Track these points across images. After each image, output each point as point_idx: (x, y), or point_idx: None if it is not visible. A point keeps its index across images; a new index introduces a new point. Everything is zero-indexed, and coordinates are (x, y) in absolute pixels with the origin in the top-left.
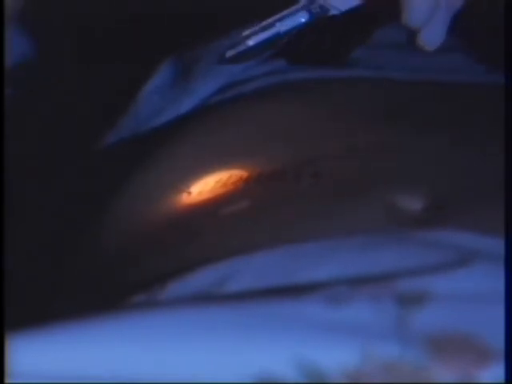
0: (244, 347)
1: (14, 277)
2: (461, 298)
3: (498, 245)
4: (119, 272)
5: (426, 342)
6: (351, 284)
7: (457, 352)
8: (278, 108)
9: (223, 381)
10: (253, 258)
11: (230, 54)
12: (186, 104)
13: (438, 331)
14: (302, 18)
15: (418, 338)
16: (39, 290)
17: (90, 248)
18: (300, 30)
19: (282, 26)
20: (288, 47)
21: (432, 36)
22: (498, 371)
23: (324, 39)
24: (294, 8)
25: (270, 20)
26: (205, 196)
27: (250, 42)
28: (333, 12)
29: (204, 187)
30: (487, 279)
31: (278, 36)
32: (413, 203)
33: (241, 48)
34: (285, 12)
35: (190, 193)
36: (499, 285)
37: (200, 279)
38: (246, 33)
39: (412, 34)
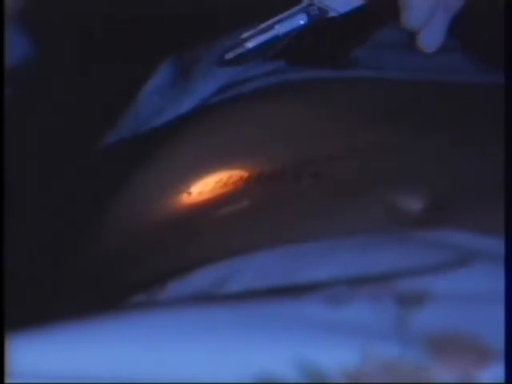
0: (244, 347)
1: (14, 277)
2: (461, 298)
3: (497, 245)
4: (119, 272)
5: (425, 342)
6: (351, 284)
7: (457, 352)
8: (278, 108)
9: (223, 381)
10: (253, 258)
11: (229, 56)
12: (186, 104)
13: (438, 331)
14: (301, 21)
15: (418, 338)
16: (39, 289)
17: (90, 248)
18: (299, 32)
19: (281, 29)
20: (287, 49)
21: (431, 38)
22: (498, 371)
23: (323, 41)
24: (292, 10)
25: (268, 22)
26: (205, 196)
27: (249, 45)
28: (331, 14)
29: (204, 187)
30: (487, 279)
31: (276, 38)
32: (413, 203)
33: (240, 50)
34: (284, 14)
35: (189, 193)
36: (499, 285)
37: (200, 279)
38: (244, 35)
39: (411, 36)
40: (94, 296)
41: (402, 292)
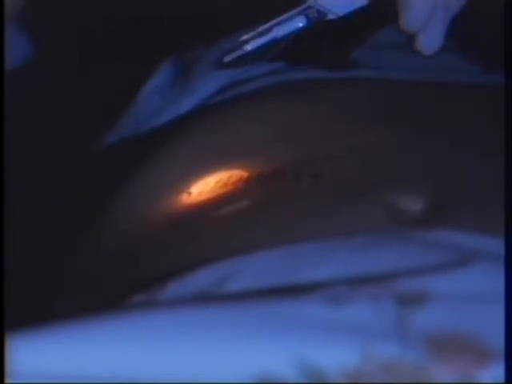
0: (244, 347)
1: (14, 277)
2: (461, 298)
3: (497, 245)
4: (119, 272)
5: (426, 342)
6: (351, 284)
7: (457, 352)
8: (278, 108)
9: (223, 381)
10: (253, 258)
11: (227, 58)
12: (186, 104)
13: (438, 331)
14: (300, 23)
15: (418, 338)
16: (39, 290)
17: (90, 248)
18: (297, 34)
19: (280, 31)
20: (286, 52)
21: (430, 40)
22: (498, 371)
23: (321, 43)
24: (291, 13)
25: (267, 25)
26: (205, 196)
27: (248, 47)
28: (330, 17)
29: (204, 187)
30: (487, 279)
31: (275, 41)
32: (413, 203)
33: (238, 53)
34: (282, 17)
35: (189, 193)
36: (499, 285)
37: (200, 279)
38: (243, 37)
39: (410, 38)
40: (94, 296)
41: (402, 292)
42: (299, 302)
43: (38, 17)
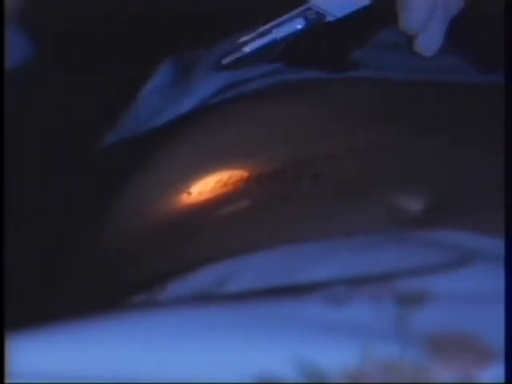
0: (244, 347)
1: (14, 277)
2: (461, 298)
3: (497, 245)
4: (119, 272)
5: (426, 342)
6: (351, 284)
7: (457, 352)
8: (278, 108)
9: (223, 381)
10: (253, 258)
11: (226, 60)
12: (186, 104)
13: (438, 331)
14: (299, 25)
15: (418, 338)
16: (39, 289)
17: (90, 248)
18: (297, 36)
19: (279, 33)
20: (285, 53)
21: (429, 41)
22: (498, 371)
23: (321, 45)
24: (290, 14)
25: (266, 26)
26: (205, 196)
27: (247, 49)
28: (329, 18)
29: (204, 187)
30: (487, 279)
31: (274, 42)
32: (413, 203)
33: (237, 55)
34: (281, 18)
35: (189, 193)
36: (499, 285)
37: (200, 279)
38: (242, 39)
39: (409, 39)
40: (94, 296)
41: (402, 292)
42: (299, 301)
43: (38, 17)
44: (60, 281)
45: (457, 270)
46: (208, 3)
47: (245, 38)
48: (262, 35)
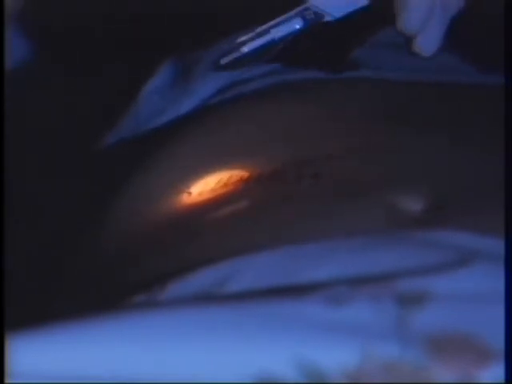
0: (244, 347)
1: (14, 277)
2: (461, 297)
3: (497, 245)
4: (119, 272)
5: (426, 342)
6: (351, 284)
7: (457, 352)
8: (277, 108)
9: (223, 381)
10: (253, 258)
11: (224, 60)
12: (186, 104)
13: (438, 331)
14: (297, 25)
15: (418, 338)
16: (39, 290)
17: (90, 248)
18: (295, 36)
19: (277, 33)
20: (283, 53)
21: (428, 42)
22: (498, 371)
23: (319, 45)
24: (288, 15)
25: (264, 26)
26: (205, 196)
27: (245, 49)
28: (327, 18)
29: (204, 187)
30: (487, 279)
31: (272, 42)
32: (413, 203)
33: (235, 55)
34: (279, 19)
35: (189, 193)
36: (499, 285)
37: (200, 279)
38: (240, 39)
39: (408, 40)
40: (94, 296)
41: (402, 292)
42: (299, 302)
43: (38, 17)
44: (60, 281)
45: (457, 270)
46: (208, 3)
47: (243, 38)
48: (260, 35)
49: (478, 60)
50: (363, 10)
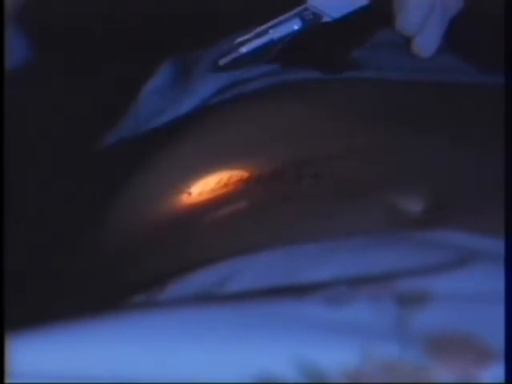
0: (244, 347)
1: (14, 277)
2: (461, 298)
3: (497, 245)
4: (119, 272)
5: (426, 342)
6: (351, 284)
7: (457, 352)
8: (277, 108)
9: (223, 381)
10: (253, 258)
11: (223, 61)
12: (186, 104)
13: (438, 331)
14: (295, 26)
15: (418, 338)
16: (39, 289)
17: (90, 248)
18: (294, 36)
19: (276, 33)
20: (282, 54)
21: (427, 43)
22: (498, 371)
23: (318, 46)
24: (287, 15)
25: (263, 27)
26: (205, 196)
27: (244, 50)
28: (325, 19)
29: (204, 187)
30: (487, 279)
31: (271, 43)
32: (413, 203)
33: (234, 55)
34: (278, 19)
35: (189, 193)
36: (499, 285)
37: (200, 279)
38: (238, 40)
39: (407, 40)
40: (94, 296)
41: (402, 292)
42: (299, 302)
43: (38, 17)
44: (60, 281)
45: (457, 270)
46: (208, 3)
47: (241, 39)
48: (258, 36)
49: (478, 60)
50: (362, 10)
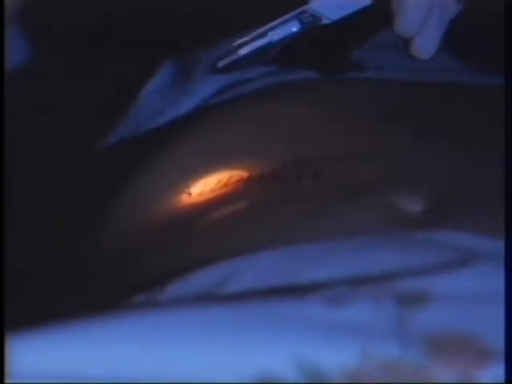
0: (244, 347)
1: (14, 277)
2: (461, 298)
3: (497, 245)
4: (119, 272)
5: (426, 342)
6: (351, 284)
7: (457, 352)
8: (277, 108)
9: (223, 381)
10: (253, 258)
11: (222, 63)
12: (186, 104)
13: (438, 331)
14: (294, 28)
15: (418, 338)
16: (39, 289)
17: (90, 248)
18: (292, 38)
19: (274, 35)
20: (280, 56)
21: (426, 45)
22: (498, 371)
23: (317, 48)
24: (285, 17)
25: (261, 29)
26: (205, 196)
27: (242, 52)
28: (324, 21)
29: (204, 187)
30: (487, 279)
31: (270, 45)
32: (413, 203)
33: (233, 57)
34: (276, 21)
35: (190, 193)
36: (499, 285)
37: (200, 279)
38: (237, 42)
39: (406, 42)
40: (94, 296)
41: (402, 292)
42: (299, 302)
43: (38, 17)
44: (60, 281)
45: (457, 270)
46: (208, 3)
47: (240, 41)
48: (257, 38)
49: (477, 60)
50: (360, 12)
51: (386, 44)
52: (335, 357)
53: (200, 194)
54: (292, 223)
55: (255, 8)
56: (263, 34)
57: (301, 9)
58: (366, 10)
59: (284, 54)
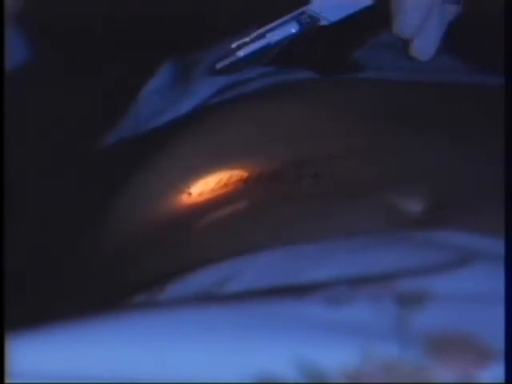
0: (244, 347)
1: (14, 277)
2: (461, 298)
3: (497, 245)
4: (119, 272)
5: (426, 342)
6: (351, 284)
7: (457, 352)
8: (277, 108)
9: (223, 381)
10: (253, 258)
11: (220, 65)
12: (186, 105)
13: (438, 331)
14: (293, 29)
15: (418, 338)
16: (39, 289)
17: (90, 248)
18: (291, 40)
19: (273, 37)
20: (279, 57)
21: (425, 46)
22: (498, 371)
23: (315, 49)
24: (284, 19)
25: (260, 31)
26: (205, 196)
27: (241, 53)
28: (322, 23)
29: (204, 187)
30: (487, 279)
31: (268, 47)
32: (413, 203)
33: (231, 59)
34: (275, 23)
35: (190, 193)
36: (499, 285)
37: (200, 279)
38: (236, 44)
39: (405, 43)
40: (94, 296)
41: (402, 292)
42: (299, 302)
43: (38, 17)
44: (60, 281)
45: (457, 270)
46: (208, 3)
47: (239, 43)
48: (255, 39)
49: (477, 60)
50: (359, 14)
51: (386, 44)
52: (335, 357)
53: (200, 194)
54: (292, 223)
55: (255, 8)
56: (262, 35)
57: (300, 10)
58: (364, 11)
59: (283, 54)
